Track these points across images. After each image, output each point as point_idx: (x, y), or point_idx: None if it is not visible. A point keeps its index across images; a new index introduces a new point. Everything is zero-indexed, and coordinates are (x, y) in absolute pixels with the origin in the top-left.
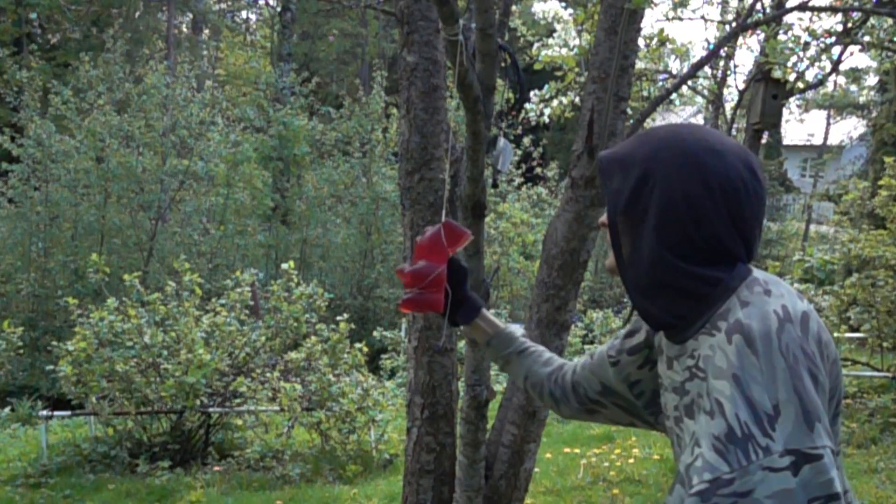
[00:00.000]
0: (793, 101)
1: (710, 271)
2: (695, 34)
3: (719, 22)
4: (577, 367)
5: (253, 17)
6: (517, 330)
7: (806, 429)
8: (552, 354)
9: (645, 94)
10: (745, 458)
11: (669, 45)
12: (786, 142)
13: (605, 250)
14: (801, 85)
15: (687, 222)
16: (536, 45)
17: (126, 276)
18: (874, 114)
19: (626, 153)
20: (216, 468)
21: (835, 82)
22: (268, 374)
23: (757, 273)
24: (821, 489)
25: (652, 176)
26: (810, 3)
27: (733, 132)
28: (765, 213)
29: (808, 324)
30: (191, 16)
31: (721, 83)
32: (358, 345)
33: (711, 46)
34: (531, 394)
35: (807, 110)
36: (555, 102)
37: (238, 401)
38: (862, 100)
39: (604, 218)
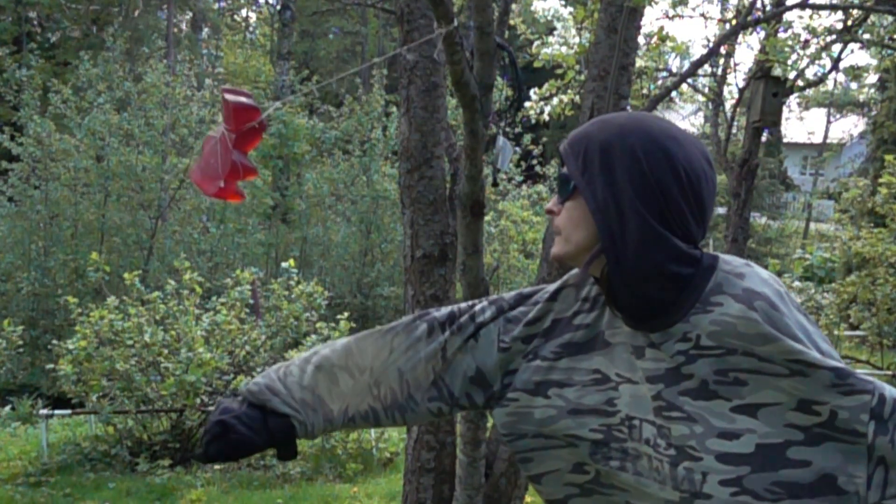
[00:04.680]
0: (793, 99)
1: (692, 249)
2: (695, 32)
3: (719, 20)
4: (436, 360)
5: (253, 15)
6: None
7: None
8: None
9: (645, 92)
10: (866, 379)
11: (669, 43)
12: (786, 139)
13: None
14: (801, 83)
15: (661, 203)
16: (536, 43)
17: (126, 275)
18: (874, 111)
19: (592, 139)
20: (216, 467)
21: (835, 80)
22: None
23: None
24: None
25: (621, 157)
26: (810, 1)
27: (733, 130)
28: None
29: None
30: (190, 14)
31: (721, 81)
32: None
33: (711, 44)
34: (351, 425)
35: (807, 108)
36: (555, 100)
37: None
38: (862, 97)
39: (550, 204)
